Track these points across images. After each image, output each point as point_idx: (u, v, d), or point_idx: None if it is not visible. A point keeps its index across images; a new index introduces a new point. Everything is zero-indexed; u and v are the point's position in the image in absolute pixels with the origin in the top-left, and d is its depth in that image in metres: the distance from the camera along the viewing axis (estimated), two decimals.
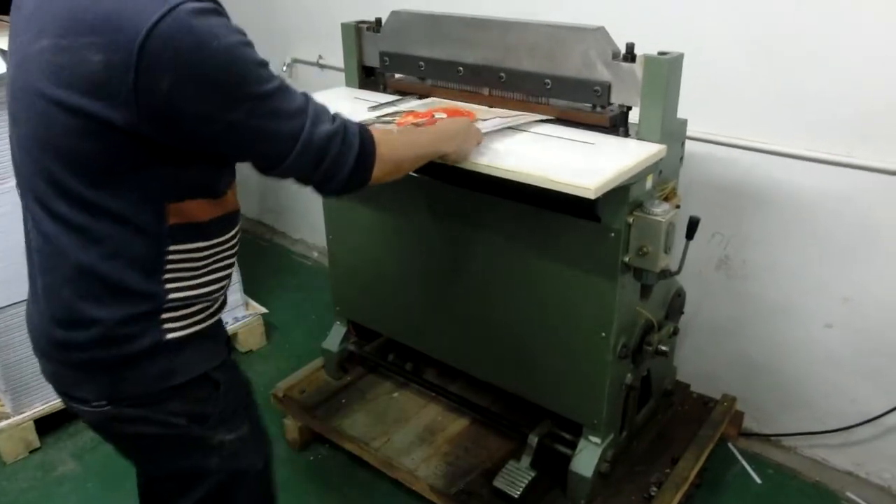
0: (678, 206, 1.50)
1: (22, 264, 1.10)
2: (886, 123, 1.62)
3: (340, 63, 1.91)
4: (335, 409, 2.04)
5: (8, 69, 1.00)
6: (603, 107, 1.50)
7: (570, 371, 1.62)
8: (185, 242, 1.00)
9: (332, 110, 1.04)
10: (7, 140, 1.06)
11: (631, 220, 1.42)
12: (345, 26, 1.82)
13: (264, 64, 0.94)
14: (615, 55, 1.42)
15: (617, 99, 1.45)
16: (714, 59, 1.78)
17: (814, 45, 1.66)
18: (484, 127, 1.41)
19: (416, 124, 1.40)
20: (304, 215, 3.27)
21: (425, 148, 1.22)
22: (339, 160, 1.02)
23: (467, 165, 1.34)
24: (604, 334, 1.52)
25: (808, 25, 1.66)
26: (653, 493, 1.69)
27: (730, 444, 2.11)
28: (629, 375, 1.64)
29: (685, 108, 1.50)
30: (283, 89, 0.96)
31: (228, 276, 1.13)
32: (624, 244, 1.43)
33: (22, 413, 2.09)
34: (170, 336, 1.02)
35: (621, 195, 1.38)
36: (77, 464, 2.11)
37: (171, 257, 1.00)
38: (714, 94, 1.83)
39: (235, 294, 2.57)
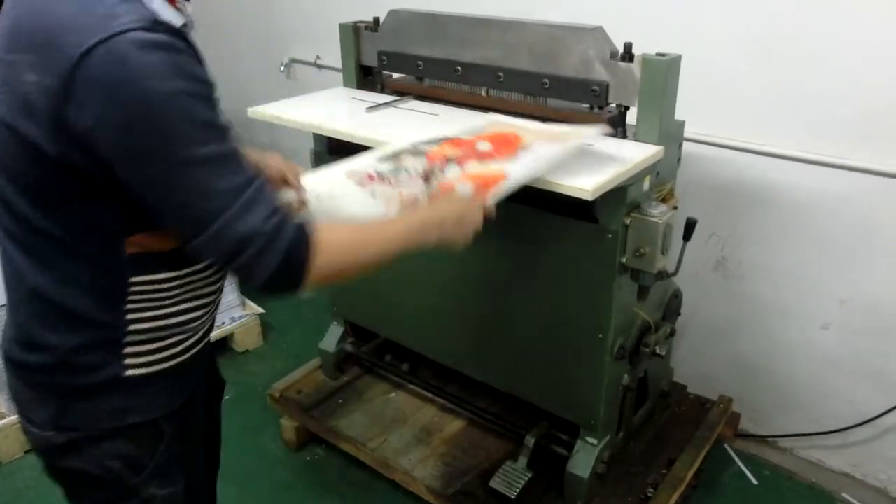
0: (675, 208, 1.50)
1: None
2: (886, 124, 1.63)
3: (338, 63, 1.91)
4: (332, 409, 2.03)
5: None
6: (601, 107, 1.50)
7: (567, 372, 1.62)
8: (147, 273, 0.93)
9: (281, 203, 0.90)
10: None
11: (628, 221, 1.42)
12: (343, 26, 1.82)
13: (211, 125, 0.83)
14: (613, 55, 1.42)
15: (615, 99, 1.45)
16: (714, 59, 1.78)
17: (813, 45, 1.66)
18: (512, 175, 1.21)
19: (449, 158, 1.26)
20: None
21: (393, 244, 1.02)
22: (257, 264, 0.86)
23: None
24: (601, 335, 1.52)
25: (807, 25, 1.66)
26: (649, 494, 1.69)
27: (726, 446, 2.11)
28: (626, 376, 1.64)
29: (684, 109, 1.50)
30: (222, 161, 0.84)
31: (210, 305, 1.04)
32: (621, 245, 1.43)
33: None
34: (130, 372, 0.96)
35: (619, 196, 1.38)
36: None
37: (133, 288, 0.93)
38: (713, 94, 1.82)
39: (232, 294, 2.57)
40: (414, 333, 1.95)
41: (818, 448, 2.02)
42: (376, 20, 1.78)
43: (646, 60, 1.37)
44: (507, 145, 1.33)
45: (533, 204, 1.47)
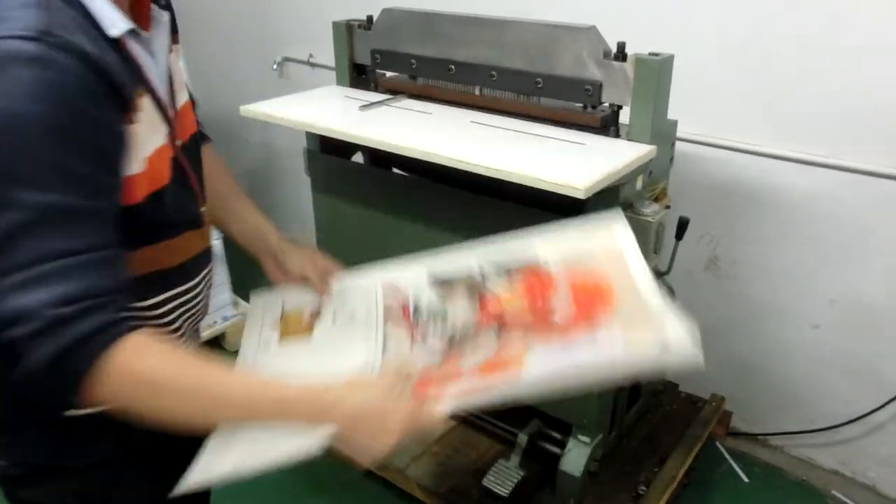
0: (668, 207, 1.50)
1: None
2: (881, 125, 1.64)
3: (331, 61, 1.91)
4: None
5: None
6: (594, 107, 1.50)
7: None
8: None
9: (112, 295, 0.74)
10: None
11: None
12: (336, 24, 1.82)
13: (62, 170, 0.69)
14: (606, 54, 1.42)
15: (608, 98, 1.46)
16: (708, 59, 1.79)
17: (805, 45, 1.67)
18: (530, 373, 0.89)
19: (505, 319, 0.91)
20: (294, 214, 3.26)
21: (224, 413, 0.83)
22: (27, 347, 0.71)
23: (463, 167, 1.33)
24: None
25: (801, 25, 1.67)
26: (641, 492, 1.69)
27: (718, 444, 2.12)
28: None
29: (677, 108, 1.50)
30: (56, 217, 0.70)
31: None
32: None
33: None
34: (76, 412, 0.89)
35: (611, 195, 1.38)
36: None
37: None
38: (708, 94, 1.83)
39: (224, 293, 2.55)
40: None
41: (808, 446, 2.03)
42: (370, 18, 1.78)
43: (639, 60, 1.38)
44: (589, 307, 0.85)
45: (526, 202, 1.47)
